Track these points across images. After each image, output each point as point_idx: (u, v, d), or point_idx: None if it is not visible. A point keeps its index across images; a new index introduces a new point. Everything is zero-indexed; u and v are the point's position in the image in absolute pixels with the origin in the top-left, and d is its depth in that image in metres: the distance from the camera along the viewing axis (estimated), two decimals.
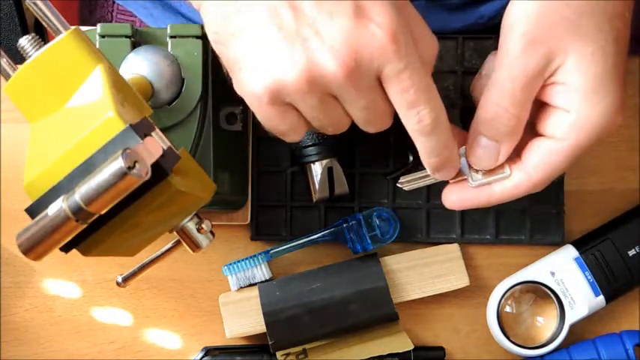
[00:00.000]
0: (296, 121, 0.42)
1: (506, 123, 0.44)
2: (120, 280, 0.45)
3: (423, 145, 0.43)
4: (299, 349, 0.57)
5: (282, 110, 0.41)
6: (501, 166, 0.46)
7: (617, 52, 0.42)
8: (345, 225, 0.58)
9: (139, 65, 0.46)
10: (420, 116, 0.40)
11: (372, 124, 0.43)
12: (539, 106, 0.45)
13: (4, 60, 0.41)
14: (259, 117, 0.43)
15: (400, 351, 0.56)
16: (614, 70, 0.42)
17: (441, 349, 0.59)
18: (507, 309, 0.59)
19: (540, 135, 0.45)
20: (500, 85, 0.43)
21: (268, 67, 0.39)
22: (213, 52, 0.46)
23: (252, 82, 0.40)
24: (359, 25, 0.38)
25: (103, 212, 0.34)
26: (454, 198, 0.48)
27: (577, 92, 0.42)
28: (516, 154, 0.46)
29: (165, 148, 0.37)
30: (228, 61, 0.41)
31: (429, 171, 0.45)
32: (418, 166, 0.59)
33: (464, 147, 0.47)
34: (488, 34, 0.58)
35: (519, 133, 0.44)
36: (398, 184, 0.51)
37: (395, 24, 0.38)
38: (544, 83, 0.43)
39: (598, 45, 0.41)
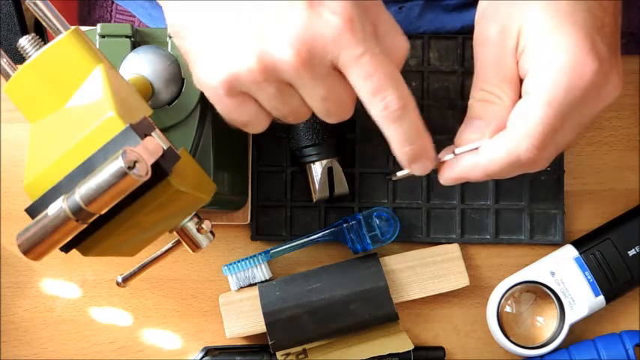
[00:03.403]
0: (255, 111, 0.42)
1: (487, 101, 0.44)
2: (120, 280, 0.45)
3: (393, 134, 0.41)
4: (299, 349, 0.57)
5: (241, 101, 0.41)
6: None
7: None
8: (345, 225, 0.58)
9: (139, 65, 0.46)
10: (386, 102, 0.39)
11: (332, 114, 0.42)
12: None
13: (4, 60, 0.41)
14: (219, 109, 0.42)
15: (400, 351, 0.56)
16: (568, 13, 0.42)
17: (441, 349, 0.59)
18: (507, 309, 0.59)
19: None
20: (478, 72, 0.44)
21: (223, 58, 0.39)
22: None
23: (208, 74, 0.40)
24: (313, 13, 0.37)
25: (103, 212, 0.34)
26: (448, 174, 0.46)
27: (537, 45, 0.42)
28: None
29: (165, 148, 0.37)
30: (185, 54, 0.42)
31: (404, 164, 0.44)
32: None
33: None
34: None
35: (503, 114, 0.44)
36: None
37: (351, 11, 0.38)
38: (517, 57, 0.43)
39: (543, 2, 0.42)
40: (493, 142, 0.44)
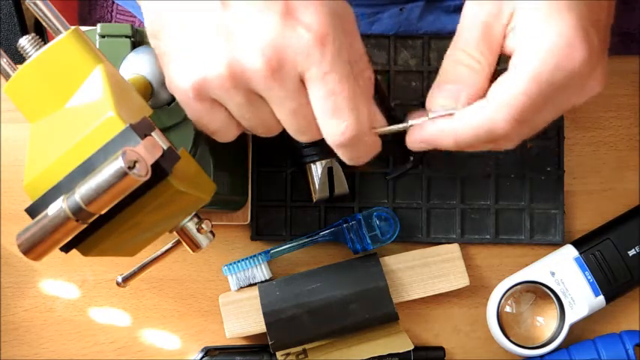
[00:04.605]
0: (225, 120, 0.42)
1: (468, 65, 0.43)
2: (120, 280, 0.45)
3: (340, 153, 0.42)
4: (299, 349, 0.57)
5: (210, 107, 0.41)
6: None
7: None
8: (345, 225, 0.58)
9: (139, 65, 0.46)
10: (340, 129, 0.39)
11: (304, 131, 0.41)
12: None
13: (4, 60, 0.41)
14: (188, 114, 0.43)
15: (400, 351, 0.56)
16: (570, 2, 0.41)
17: (441, 349, 0.59)
18: (507, 309, 0.59)
19: None
20: (460, 34, 0.43)
21: (194, 62, 0.39)
22: None
23: (179, 76, 0.40)
24: (287, 25, 0.37)
25: (103, 212, 0.34)
26: (417, 136, 0.45)
27: (531, 24, 0.41)
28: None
29: (165, 148, 0.37)
30: (160, 56, 0.42)
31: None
32: (418, 166, 0.59)
33: None
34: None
35: (481, 82, 0.43)
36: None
37: (325, 27, 0.38)
38: (505, 34, 0.43)
39: None
40: (469, 109, 0.42)
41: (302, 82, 0.39)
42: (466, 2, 0.43)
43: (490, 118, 0.41)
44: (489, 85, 0.43)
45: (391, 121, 0.45)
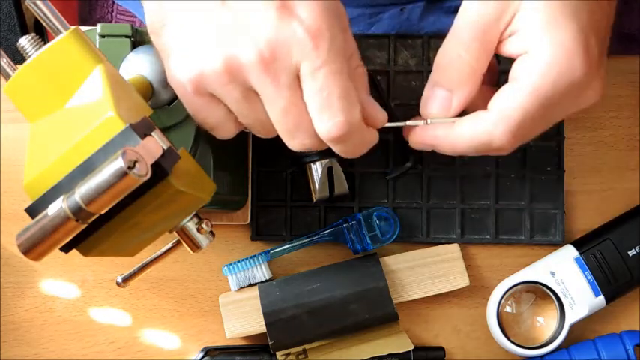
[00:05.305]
0: (223, 116, 0.43)
1: (459, 68, 0.43)
2: (120, 280, 0.45)
3: (335, 148, 0.42)
4: (299, 349, 0.57)
5: (208, 102, 0.42)
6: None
7: None
8: (345, 225, 0.58)
9: (139, 65, 0.46)
10: (330, 125, 0.40)
11: (292, 134, 0.41)
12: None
13: (4, 60, 0.41)
14: (187, 108, 0.43)
15: (400, 351, 0.56)
16: (570, 8, 0.41)
17: (441, 349, 0.59)
18: (507, 309, 0.59)
19: None
20: (457, 33, 0.43)
21: (193, 56, 0.40)
22: None
23: (178, 70, 0.41)
24: (282, 19, 0.38)
25: (103, 212, 0.34)
26: (419, 139, 0.46)
27: (532, 32, 0.41)
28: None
29: (165, 148, 0.37)
30: (160, 51, 0.43)
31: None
32: (418, 165, 0.59)
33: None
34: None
35: (473, 84, 0.43)
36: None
37: (320, 22, 0.38)
38: (502, 37, 0.42)
39: None
40: (469, 120, 0.43)
41: (297, 79, 0.39)
42: (464, 1, 0.43)
43: (488, 131, 0.42)
44: (490, 91, 0.43)
45: (390, 118, 0.45)
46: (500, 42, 0.43)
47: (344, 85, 0.39)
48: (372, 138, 0.43)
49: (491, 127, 0.42)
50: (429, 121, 0.45)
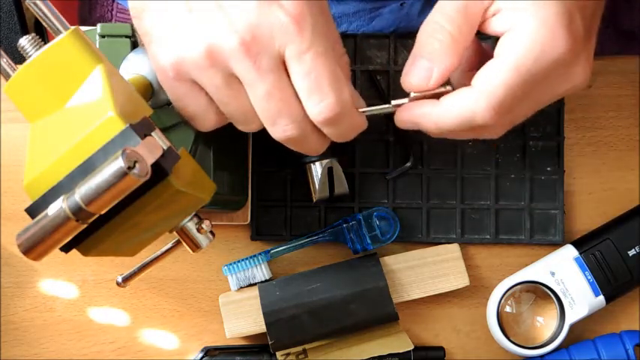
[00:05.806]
0: (204, 104, 0.43)
1: (441, 39, 0.42)
2: (120, 280, 0.45)
3: (327, 131, 0.42)
4: (299, 349, 0.57)
5: (189, 89, 0.42)
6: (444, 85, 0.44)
7: None
8: (345, 225, 0.58)
9: (139, 65, 0.46)
10: (321, 107, 0.40)
11: (274, 120, 0.41)
12: None
13: (4, 60, 0.41)
14: (168, 94, 0.43)
15: (400, 351, 0.56)
16: None
17: (441, 349, 0.59)
18: (507, 309, 0.59)
19: None
20: (441, 6, 0.43)
21: (174, 41, 0.40)
22: None
23: (160, 54, 0.41)
24: (263, 4, 0.38)
25: (103, 212, 0.34)
26: (403, 116, 0.46)
27: (516, 9, 0.41)
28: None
29: (165, 148, 0.37)
30: (142, 36, 0.42)
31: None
32: (418, 165, 0.59)
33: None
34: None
35: (455, 56, 0.43)
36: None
37: (302, 6, 0.38)
38: (487, 15, 0.42)
39: None
40: (452, 96, 0.43)
41: (280, 64, 0.39)
42: None
43: (470, 107, 0.42)
44: (475, 67, 0.43)
45: (388, 116, 0.45)
46: (485, 20, 0.43)
47: (331, 67, 0.39)
48: (361, 122, 0.44)
49: (473, 103, 0.42)
50: (412, 94, 0.44)
